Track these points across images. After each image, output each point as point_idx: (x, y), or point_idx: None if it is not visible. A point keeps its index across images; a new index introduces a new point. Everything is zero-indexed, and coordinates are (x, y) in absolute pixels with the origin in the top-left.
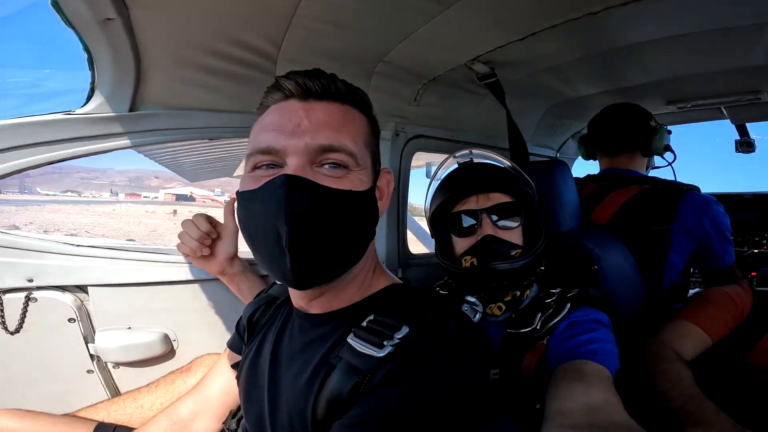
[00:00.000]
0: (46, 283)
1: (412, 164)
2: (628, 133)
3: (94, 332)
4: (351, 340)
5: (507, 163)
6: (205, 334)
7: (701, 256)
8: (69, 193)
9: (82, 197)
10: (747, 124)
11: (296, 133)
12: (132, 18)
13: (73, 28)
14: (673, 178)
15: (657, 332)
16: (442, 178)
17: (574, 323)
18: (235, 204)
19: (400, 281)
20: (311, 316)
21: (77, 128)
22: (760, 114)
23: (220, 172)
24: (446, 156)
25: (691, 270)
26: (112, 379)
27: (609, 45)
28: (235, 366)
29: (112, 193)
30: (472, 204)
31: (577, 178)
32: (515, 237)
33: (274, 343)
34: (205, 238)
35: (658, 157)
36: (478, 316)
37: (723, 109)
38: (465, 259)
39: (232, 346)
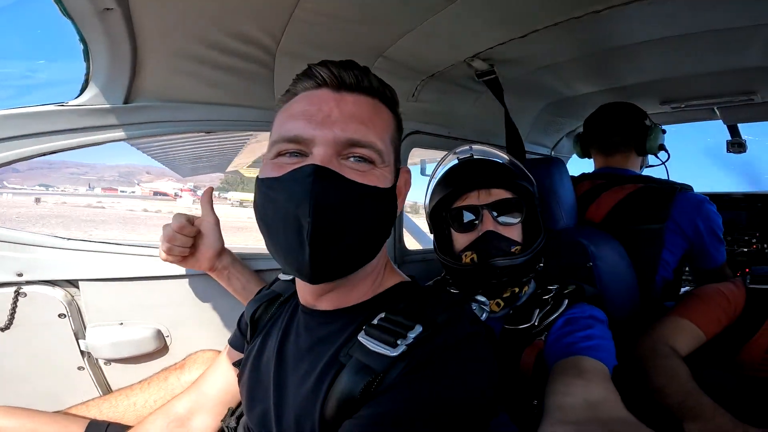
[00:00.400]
0: (35, 278)
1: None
2: (623, 131)
3: (85, 328)
4: (362, 338)
5: (507, 158)
6: (199, 329)
7: (693, 254)
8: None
9: (71, 192)
10: (739, 125)
11: (326, 123)
12: (131, 8)
13: (70, 18)
14: (666, 177)
15: (651, 328)
16: (442, 173)
17: (572, 320)
18: (252, 192)
19: (409, 279)
20: (320, 312)
21: (70, 120)
22: (752, 115)
23: (215, 167)
24: (444, 153)
25: (684, 270)
26: (104, 376)
27: (607, 44)
28: (236, 364)
29: (89, 187)
30: (473, 200)
31: (572, 177)
32: (515, 233)
33: (279, 341)
34: (187, 240)
35: (652, 155)
36: (485, 315)
37: (716, 110)
38: (465, 255)
39: (234, 343)
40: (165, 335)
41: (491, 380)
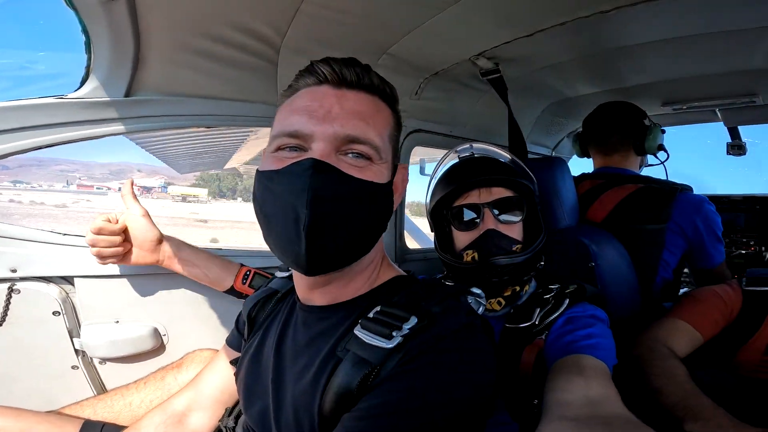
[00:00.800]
0: (29, 274)
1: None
2: (622, 130)
3: (80, 326)
4: (358, 331)
5: (508, 157)
6: (196, 328)
7: (692, 254)
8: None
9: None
10: (739, 127)
11: (327, 119)
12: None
13: (74, 9)
14: (665, 177)
15: (650, 329)
16: (443, 172)
17: (573, 318)
18: (252, 184)
19: (405, 273)
20: (316, 308)
21: (70, 112)
22: (753, 117)
23: (212, 164)
24: (444, 152)
25: (683, 271)
26: (99, 375)
27: (611, 45)
28: (234, 362)
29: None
30: (474, 198)
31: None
32: (516, 232)
33: (277, 337)
34: (113, 240)
35: (651, 155)
36: (482, 308)
37: (717, 112)
38: (466, 253)
39: (231, 342)
40: (162, 334)
41: (488, 370)
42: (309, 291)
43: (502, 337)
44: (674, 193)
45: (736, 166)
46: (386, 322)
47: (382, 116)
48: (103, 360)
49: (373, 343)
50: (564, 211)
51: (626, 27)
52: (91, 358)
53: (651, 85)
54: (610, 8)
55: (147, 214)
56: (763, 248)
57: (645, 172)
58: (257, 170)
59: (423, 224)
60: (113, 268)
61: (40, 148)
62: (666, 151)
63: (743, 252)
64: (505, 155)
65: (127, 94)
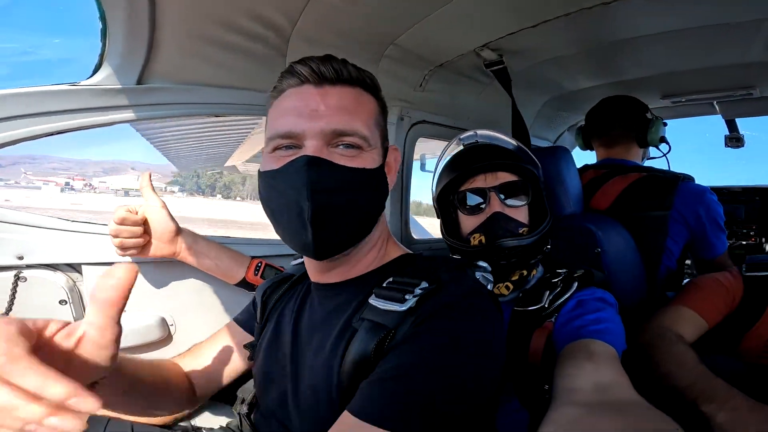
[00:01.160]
0: (36, 261)
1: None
2: (625, 123)
3: None
4: (373, 300)
5: (513, 143)
6: (205, 318)
7: (695, 243)
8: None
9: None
10: (737, 120)
11: (313, 118)
12: None
13: None
14: (668, 169)
15: (655, 317)
16: (448, 159)
17: (582, 302)
18: (257, 183)
19: (411, 252)
20: (330, 285)
21: (82, 99)
22: (751, 110)
23: (213, 160)
24: (446, 144)
25: (685, 262)
26: None
27: (612, 37)
28: (247, 346)
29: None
30: (479, 183)
31: None
32: (522, 216)
33: (294, 319)
34: (135, 230)
35: (653, 148)
36: (490, 285)
37: (715, 104)
38: (473, 237)
39: (240, 321)
40: (169, 324)
41: (496, 330)
42: (320, 273)
43: (511, 321)
44: (677, 181)
45: (734, 158)
46: (399, 288)
47: (366, 106)
48: None
49: (388, 308)
50: (569, 198)
51: (628, 19)
52: None
53: (650, 78)
54: None
55: (165, 206)
56: (764, 239)
57: (647, 164)
58: (259, 171)
59: (423, 222)
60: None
61: (52, 134)
62: (668, 143)
63: (744, 243)
64: (509, 141)
65: (139, 82)
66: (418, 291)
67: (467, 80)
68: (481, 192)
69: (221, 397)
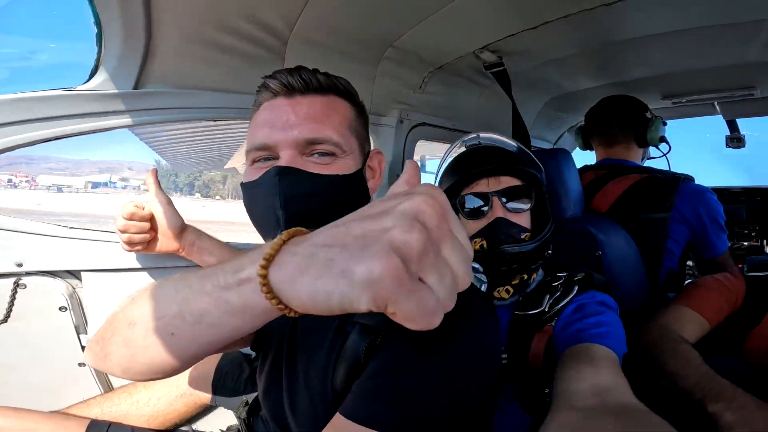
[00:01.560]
0: (36, 268)
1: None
2: (624, 123)
3: (87, 322)
4: None
5: (515, 146)
6: None
7: (696, 244)
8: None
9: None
10: (737, 120)
11: (285, 129)
12: None
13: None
14: (668, 169)
15: (656, 317)
16: (450, 161)
17: (582, 306)
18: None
19: None
20: None
21: (78, 105)
22: (751, 110)
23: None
24: (447, 146)
25: (687, 263)
26: (106, 373)
27: (613, 38)
28: (255, 349)
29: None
30: (482, 187)
31: None
32: (524, 220)
33: (291, 322)
34: (143, 226)
35: (653, 148)
36: (484, 286)
37: (716, 105)
38: (475, 242)
39: None
40: None
41: (487, 332)
42: None
43: (511, 325)
44: (677, 182)
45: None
46: None
47: (337, 112)
48: None
49: None
50: (570, 200)
51: (628, 20)
52: None
53: (650, 79)
54: (614, 0)
55: (171, 203)
56: (765, 240)
57: (647, 164)
58: (241, 183)
59: None
60: (122, 262)
61: (48, 140)
62: (668, 143)
63: (745, 244)
64: (512, 144)
65: (135, 87)
66: None
67: (467, 82)
68: (483, 196)
69: (223, 400)
